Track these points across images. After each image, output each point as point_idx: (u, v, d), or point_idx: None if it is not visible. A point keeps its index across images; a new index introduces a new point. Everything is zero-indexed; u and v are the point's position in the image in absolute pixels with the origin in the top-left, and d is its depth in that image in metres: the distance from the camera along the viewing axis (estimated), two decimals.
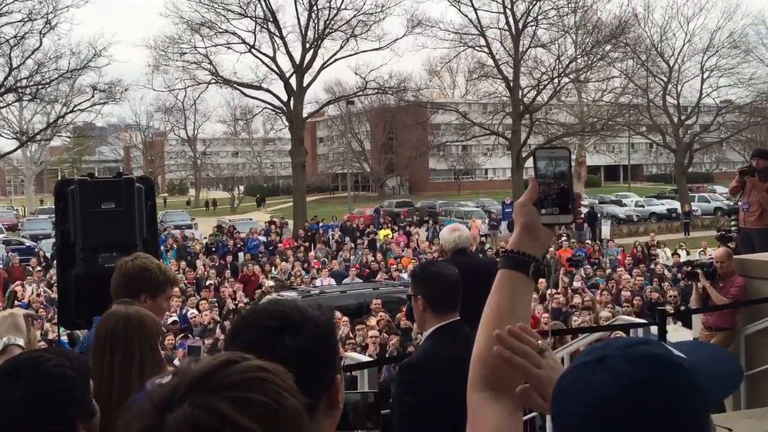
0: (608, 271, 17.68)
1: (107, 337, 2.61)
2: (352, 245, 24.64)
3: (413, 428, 3.11)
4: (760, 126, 42.06)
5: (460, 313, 3.43)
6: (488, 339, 1.39)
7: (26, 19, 29.85)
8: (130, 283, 3.14)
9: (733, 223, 9.20)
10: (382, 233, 28.75)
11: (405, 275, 18.85)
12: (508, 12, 34.86)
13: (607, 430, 0.98)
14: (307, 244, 26.62)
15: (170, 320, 11.77)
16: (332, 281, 17.83)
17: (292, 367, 1.29)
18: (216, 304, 14.56)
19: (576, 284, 14.79)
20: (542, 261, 1.47)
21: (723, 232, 9.33)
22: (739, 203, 8.86)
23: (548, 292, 14.58)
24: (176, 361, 9.00)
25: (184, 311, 13.59)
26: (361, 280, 17.99)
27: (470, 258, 5.42)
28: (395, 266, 20.00)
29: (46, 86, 32.88)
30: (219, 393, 0.87)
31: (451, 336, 3.15)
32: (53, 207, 5.01)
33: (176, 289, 14.45)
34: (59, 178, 40.12)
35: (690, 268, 7.49)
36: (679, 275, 15.12)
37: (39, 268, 20.36)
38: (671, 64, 40.44)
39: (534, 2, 34.84)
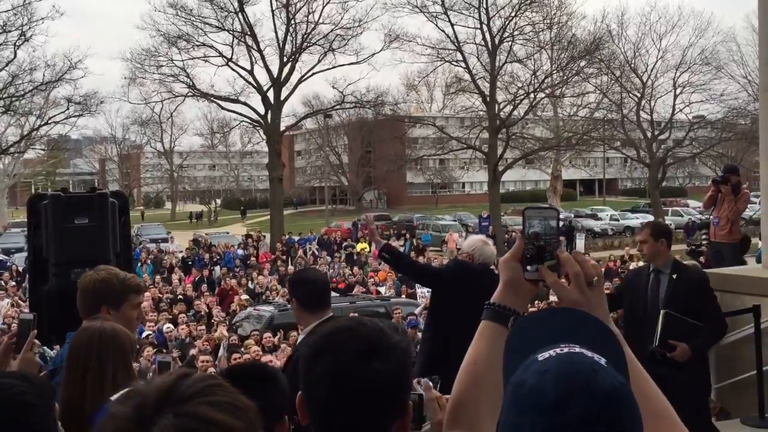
0: None
1: (80, 352, 2.60)
2: (329, 259, 24.63)
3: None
4: (731, 141, 42.74)
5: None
6: (467, 383, 1.49)
7: (0, 31, 29.57)
8: (89, 297, 3.11)
9: (704, 237, 9.37)
10: (359, 246, 28.76)
11: (383, 289, 18.87)
12: (485, 27, 35.20)
13: None
14: (284, 257, 26.54)
15: (144, 334, 11.67)
16: None
17: (375, 389, 1.34)
18: (193, 318, 14.47)
19: (552, 297, 14.89)
20: (522, 314, 1.53)
21: (693, 247, 9.48)
22: (710, 217, 9.03)
23: None
24: (149, 376, 8.93)
25: (158, 326, 13.46)
26: (338, 294, 17.96)
27: (492, 277, 5.26)
28: (373, 280, 20.02)
29: (20, 98, 32.52)
30: (191, 401, 0.91)
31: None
32: (26, 221, 4.97)
33: (147, 303, 14.34)
34: (33, 191, 39.65)
35: None
36: None
37: (12, 283, 20.07)
38: (644, 80, 41.02)
39: (510, 18, 35.23)
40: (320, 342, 1.42)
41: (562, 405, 0.97)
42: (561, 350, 1.05)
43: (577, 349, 1.06)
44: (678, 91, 41.17)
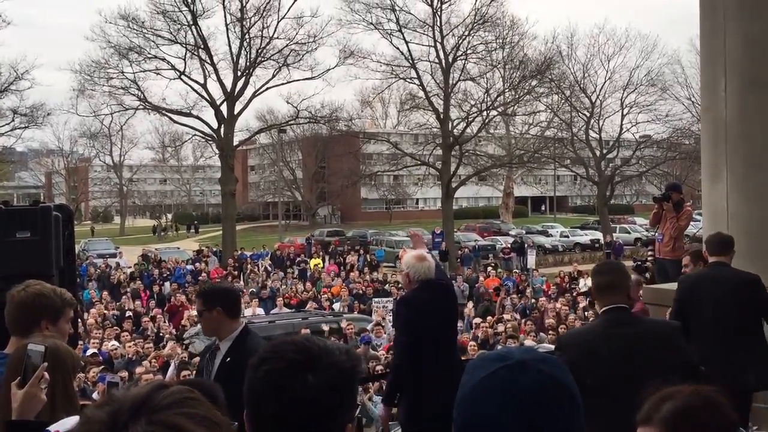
0: (532, 300, 18.06)
1: (17, 369, 2.54)
2: (282, 274, 24.43)
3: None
4: (676, 160, 44.04)
5: (431, 339, 4.56)
6: None
7: None
8: (27, 312, 3.03)
9: (650, 253, 9.59)
10: (312, 262, 28.63)
11: (336, 305, 18.79)
12: (439, 46, 35.61)
13: (536, 421, 1.13)
14: (236, 273, 26.24)
15: (89, 353, 11.36)
16: (261, 311, 17.61)
17: (307, 404, 1.35)
18: (140, 336, 14.15)
19: (506, 316, 15.09)
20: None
21: (639, 263, 9.70)
22: (656, 234, 9.26)
23: (474, 321, 14.79)
24: (95, 395, 8.69)
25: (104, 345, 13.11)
26: (290, 310, 17.81)
27: (428, 290, 5.37)
28: (326, 296, 19.91)
29: None
30: (166, 411, 0.93)
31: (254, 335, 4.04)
32: None
33: (93, 320, 13.98)
34: None
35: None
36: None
37: None
38: (593, 100, 42.06)
39: (463, 37, 35.72)
40: (264, 351, 1.44)
41: (519, 357, 1.19)
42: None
43: None
44: (625, 111, 42.35)
